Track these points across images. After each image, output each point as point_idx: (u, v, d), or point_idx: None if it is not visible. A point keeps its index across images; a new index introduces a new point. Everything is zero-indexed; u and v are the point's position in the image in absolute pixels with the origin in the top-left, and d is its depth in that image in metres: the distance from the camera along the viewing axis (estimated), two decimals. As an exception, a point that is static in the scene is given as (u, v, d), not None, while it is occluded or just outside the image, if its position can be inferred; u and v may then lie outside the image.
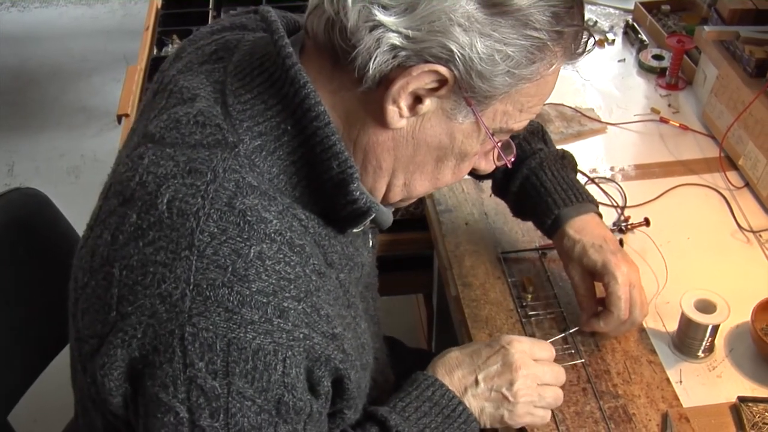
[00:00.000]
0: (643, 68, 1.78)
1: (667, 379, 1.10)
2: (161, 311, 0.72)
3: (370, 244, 1.02)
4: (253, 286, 0.73)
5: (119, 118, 1.86)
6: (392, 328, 1.50)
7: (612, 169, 1.49)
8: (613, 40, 1.89)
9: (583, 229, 1.12)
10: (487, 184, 1.32)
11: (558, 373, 1.02)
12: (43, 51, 3.83)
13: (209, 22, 2.19)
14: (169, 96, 0.85)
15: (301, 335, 0.75)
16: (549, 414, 1.02)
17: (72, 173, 3.13)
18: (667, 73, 1.72)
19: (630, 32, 1.90)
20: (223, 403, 0.72)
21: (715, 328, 1.12)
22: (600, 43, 1.88)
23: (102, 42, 3.87)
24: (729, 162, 1.49)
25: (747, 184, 1.44)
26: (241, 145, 0.79)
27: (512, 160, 0.93)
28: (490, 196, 1.31)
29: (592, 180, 1.46)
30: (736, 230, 1.36)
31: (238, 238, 0.74)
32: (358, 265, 0.93)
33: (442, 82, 0.78)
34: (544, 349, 1.03)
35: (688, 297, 1.13)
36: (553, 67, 0.82)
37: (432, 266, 1.65)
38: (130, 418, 0.78)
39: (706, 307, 1.12)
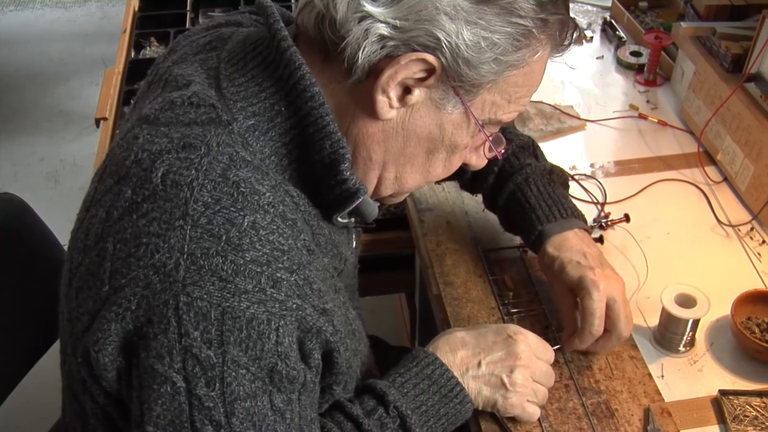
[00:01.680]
0: (622, 65, 1.79)
1: (649, 374, 1.11)
2: (155, 282, 0.72)
3: (354, 244, 1.02)
4: (246, 255, 0.73)
5: (97, 122, 1.85)
6: (375, 328, 1.50)
7: (592, 165, 1.50)
8: (592, 38, 1.90)
9: (562, 245, 1.11)
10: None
11: (550, 376, 1.04)
12: (20, 55, 3.80)
13: (188, 24, 2.18)
14: (164, 85, 0.87)
15: (294, 305, 0.76)
16: (538, 412, 1.03)
17: (51, 178, 3.11)
18: (645, 69, 1.73)
19: (608, 29, 1.91)
20: (218, 372, 0.72)
21: (696, 322, 1.12)
22: (578, 41, 1.89)
23: (80, 45, 3.84)
24: (707, 157, 1.50)
25: (725, 179, 1.45)
26: (234, 123, 0.81)
27: (502, 151, 0.94)
28: (483, 210, 1.31)
29: (572, 177, 1.46)
30: (715, 225, 1.37)
31: (231, 208, 0.74)
32: (341, 255, 0.94)
33: (430, 71, 0.79)
34: (547, 351, 1.04)
35: (668, 292, 1.13)
36: (539, 54, 0.83)
37: (414, 265, 1.64)
38: (122, 393, 0.78)
39: (686, 301, 1.12)
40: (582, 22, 1.95)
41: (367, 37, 0.77)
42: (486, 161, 0.96)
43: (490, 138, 0.90)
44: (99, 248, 0.76)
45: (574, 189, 1.43)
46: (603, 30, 1.92)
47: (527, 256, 1.29)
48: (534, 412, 1.02)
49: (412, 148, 0.86)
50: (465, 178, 1.25)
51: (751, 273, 1.27)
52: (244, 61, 0.85)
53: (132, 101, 0.94)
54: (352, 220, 0.94)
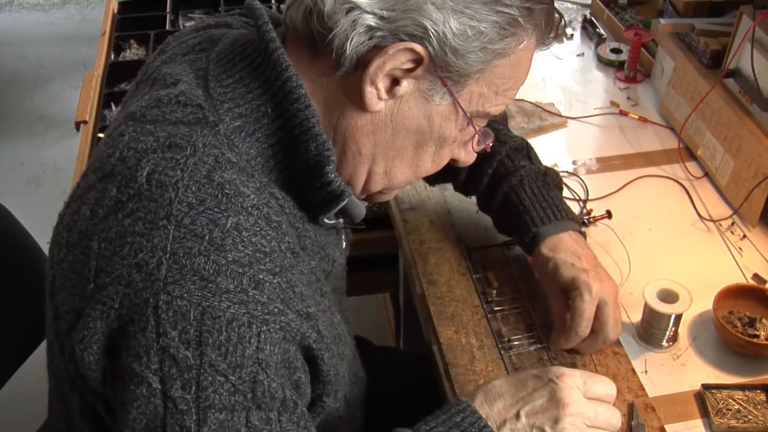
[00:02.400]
0: (602, 62, 1.80)
1: (632, 370, 1.11)
2: (137, 280, 0.72)
3: (343, 245, 1.02)
4: (229, 255, 0.73)
5: (77, 125, 1.84)
6: (360, 328, 1.50)
7: (574, 162, 1.50)
8: (572, 35, 1.91)
9: (557, 246, 1.11)
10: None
11: (613, 417, 0.90)
12: (-2, 58, 3.78)
13: (168, 26, 2.17)
14: (152, 83, 0.87)
15: (276, 309, 0.75)
16: None
17: (32, 182, 3.09)
18: (626, 66, 1.74)
19: (588, 27, 1.91)
20: (195, 374, 0.71)
21: (678, 317, 1.13)
22: (562, 36, 1.89)
23: (59, 48, 3.82)
24: (688, 153, 1.51)
25: (706, 174, 1.46)
26: (221, 124, 0.81)
27: (491, 144, 0.95)
28: (477, 212, 1.30)
29: (554, 174, 1.46)
30: (696, 220, 1.37)
31: (215, 209, 0.74)
32: (329, 257, 0.94)
33: (418, 61, 0.79)
34: (603, 385, 0.92)
35: (650, 287, 1.14)
36: (524, 43, 0.83)
37: (397, 265, 1.64)
38: (107, 394, 0.77)
39: (668, 296, 1.13)
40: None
41: (355, 28, 0.77)
42: (475, 156, 0.96)
43: (479, 131, 0.90)
44: (83, 246, 0.76)
45: (556, 186, 1.44)
46: (583, 27, 1.93)
47: (510, 254, 1.29)
48: None
49: (401, 141, 0.86)
50: (459, 180, 1.24)
51: (733, 267, 1.27)
52: (232, 62, 0.85)
53: (123, 102, 0.95)
54: (341, 220, 0.94)
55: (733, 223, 1.36)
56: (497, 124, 1.22)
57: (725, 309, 1.16)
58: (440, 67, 0.80)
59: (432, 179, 1.27)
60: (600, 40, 1.85)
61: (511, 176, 1.18)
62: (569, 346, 1.09)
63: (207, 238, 0.73)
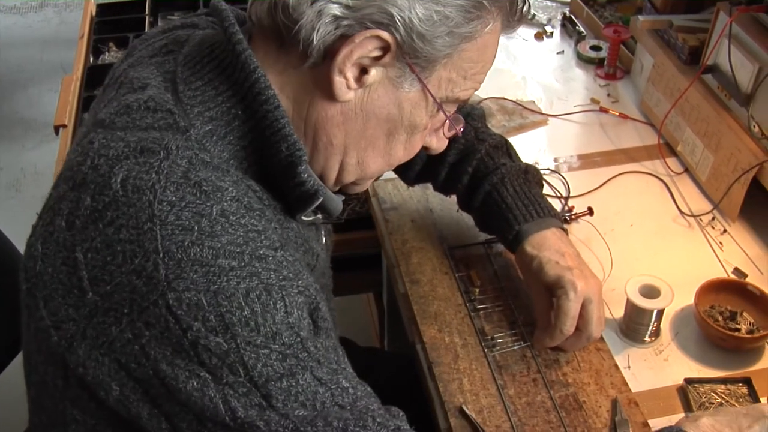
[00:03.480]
0: (582, 59, 1.81)
1: (616, 366, 1.11)
2: (140, 285, 0.71)
3: (323, 240, 1.02)
4: (222, 239, 0.73)
5: (57, 129, 1.82)
6: (344, 328, 1.50)
7: (555, 160, 1.51)
8: (552, 33, 1.91)
9: (541, 244, 1.10)
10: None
11: None
12: (-24, 62, 3.74)
13: (147, 28, 2.16)
14: (119, 87, 0.86)
15: (291, 275, 0.75)
16: None
17: (12, 187, 3.06)
18: (605, 63, 1.74)
19: (568, 24, 1.92)
20: (236, 357, 0.71)
21: (660, 312, 1.13)
22: (539, 36, 1.90)
23: (37, 51, 3.78)
24: (668, 148, 1.52)
25: (686, 170, 1.47)
26: (192, 129, 0.80)
27: (461, 129, 0.95)
28: (458, 211, 1.29)
29: (535, 172, 1.47)
30: (677, 215, 1.38)
31: (197, 202, 0.74)
32: (313, 251, 0.94)
33: (386, 49, 0.79)
34: None
35: (632, 283, 1.14)
36: (490, 26, 0.83)
37: (380, 265, 1.64)
38: (125, 403, 0.75)
39: (650, 292, 1.13)
40: (542, 17, 1.96)
41: (321, 18, 0.77)
42: (446, 143, 0.96)
43: (450, 117, 0.90)
44: (63, 257, 0.75)
45: (537, 184, 1.44)
46: (563, 25, 1.93)
47: (492, 252, 1.29)
48: None
49: (373, 130, 0.86)
50: (439, 180, 1.23)
51: (714, 262, 1.28)
52: (200, 64, 0.84)
53: (91, 107, 0.94)
54: (319, 216, 0.93)
55: (713, 218, 1.36)
56: (476, 123, 1.22)
57: (707, 303, 1.17)
58: (408, 54, 0.80)
59: (411, 179, 1.27)
60: (580, 38, 1.86)
61: (491, 174, 1.17)
62: (553, 345, 1.09)
63: (196, 228, 0.72)
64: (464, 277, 1.24)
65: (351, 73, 0.80)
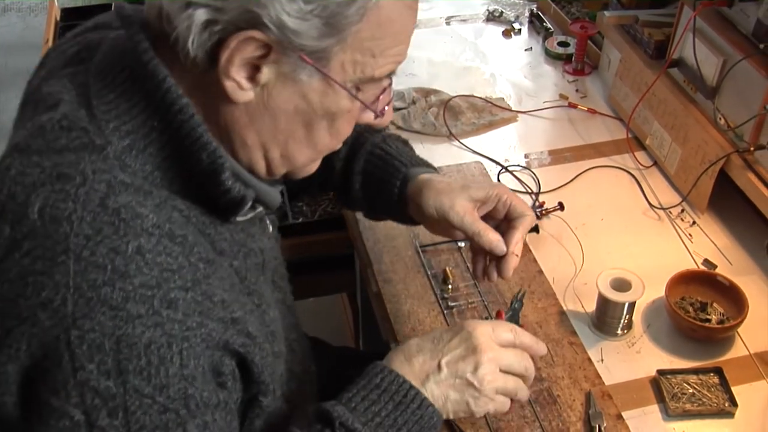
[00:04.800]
0: (550, 56, 1.81)
1: (589, 359, 1.12)
2: (43, 319, 0.69)
3: (269, 230, 0.99)
4: (135, 280, 0.71)
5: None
6: (319, 329, 1.49)
7: (526, 156, 1.51)
8: (520, 30, 1.92)
9: (440, 176, 1.08)
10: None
11: (523, 361, 0.95)
12: (-60, 69, 3.68)
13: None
14: (35, 106, 0.83)
15: (195, 324, 0.74)
16: (508, 403, 0.95)
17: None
18: (573, 59, 1.75)
19: (535, 21, 1.93)
20: (120, 402, 0.70)
21: (632, 305, 1.14)
22: (507, 34, 1.90)
23: (1, 57, 3.73)
24: (637, 142, 1.53)
25: (655, 163, 1.48)
26: (109, 147, 0.77)
27: (390, 99, 0.89)
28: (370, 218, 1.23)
29: (506, 169, 1.47)
30: (647, 208, 1.39)
31: (114, 236, 0.72)
32: (254, 251, 0.91)
33: (268, 47, 0.75)
34: (506, 330, 0.95)
35: (603, 277, 1.15)
36: (374, 1, 0.77)
37: (353, 265, 1.64)
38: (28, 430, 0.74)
39: (621, 285, 1.14)
40: (510, 15, 1.96)
41: (191, 25, 0.73)
42: (390, 115, 0.91)
43: (363, 101, 0.84)
44: None
45: (508, 180, 1.45)
46: (530, 22, 1.94)
47: (464, 249, 1.29)
48: (504, 402, 0.94)
49: (286, 125, 0.82)
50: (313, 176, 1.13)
51: (684, 254, 1.29)
52: (112, 74, 0.80)
53: (13, 125, 0.89)
54: (261, 209, 0.90)
55: (682, 210, 1.38)
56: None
57: (677, 295, 1.18)
58: (293, 48, 0.75)
59: (294, 193, 1.23)
60: (547, 34, 1.86)
61: (372, 137, 1.14)
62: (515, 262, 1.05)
63: (109, 267, 0.70)
64: (436, 275, 1.24)
65: (240, 75, 0.76)
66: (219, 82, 0.76)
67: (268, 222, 0.99)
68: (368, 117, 0.88)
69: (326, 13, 0.74)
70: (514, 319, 1.06)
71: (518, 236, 1.04)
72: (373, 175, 1.13)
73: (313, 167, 0.92)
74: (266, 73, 0.77)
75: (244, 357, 0.80)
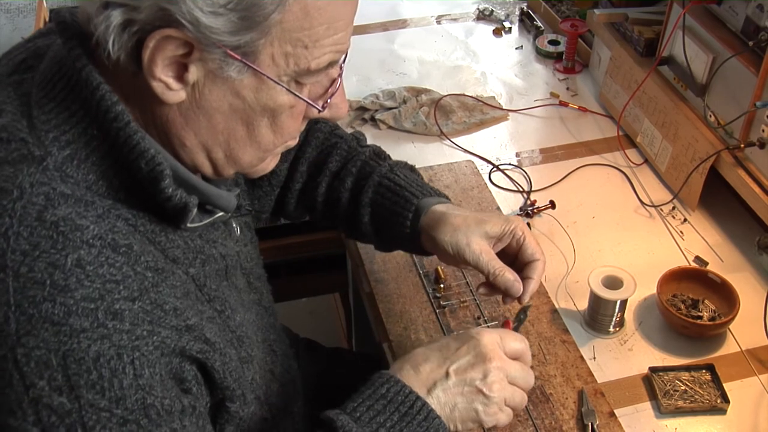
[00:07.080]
0: (541, 54, 1.81)
1: (581, 357, 1.12)
2: None
3: (237, 232, 0.97)
4: (76, 294, 0.70)
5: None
6: (312, 329, 1.49)
7: (518, 155, 1.51)
8: (510, 29, 1.92)
9: (454, 209, 1.05)
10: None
11: (528, 376, 0.93)
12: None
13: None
14: None
15: (144, 333, 0.73)
16: (512, 416, 0.92)
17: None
18: (564, 57, 1.76)
19: (526, 20, 1.93)
20: (76, 417, 0.69)
21: (624, 303, 1.14)
22: (497, 32, 1.90)
23: (-8, 59, 3.72)
24: (628, 140, 1.53)
25: (646, 161, 1.48)
26: (49, 157, 0.75)
27: (340, 84, 0.86)
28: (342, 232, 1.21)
29: (497, 167, 1.47)
30: (638, 206, 1.39)
31: (52, 250, 0.70)
32: (213, 257, 0.88)
33: (189, 44, 0.73)
34: (514, 339, 0.94)
35: (595, 275, 1.15)
36: None
37: (346, 265, 1.63)
38: None
39: (613, 283, 1.14)
40: (500, 13, 1.97)
41: (109, 27, 0.71)
42: (345, 107, 0.88)
43: (301, 95, 0.81)
44: None
45: (499, 179, 1.45)
46: (521, 20, 1.94)
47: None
48: (510, 414, 0.92)
49: (224, 124, 0.80)
50: (320, 191, 1.14)
51: (675, 251, 1.29)
52: (52, 83, 0.78)
53: None
54: (221, 214, 0.87)
55: (673, 208, 1.38)
56: (359, 133, 1.18)
57: (669, 292, 1.18)
58: (214, 44, 0.73)
59: (292, 206, 1.18)
60: (538, 33, 1.87)
61: (378, 168, 1.12)
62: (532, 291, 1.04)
63: (48, 282, 0.69)
64: (428, 274, 1.24)
65: (167, 74, 0.74)
66: (148, 83, 0.74)
67: (234, 225, 0.97)
68: (314, 111, 0.84)
69: (241, 6, 0.71)
70: (518, 330, 1.06)
71: (533, 287, 1.02)
72: (383, 207, 1.10)
73: (267, 166, 0.89)
74: (194, 72, 0.75)
75: (203, 363, 0.79)
